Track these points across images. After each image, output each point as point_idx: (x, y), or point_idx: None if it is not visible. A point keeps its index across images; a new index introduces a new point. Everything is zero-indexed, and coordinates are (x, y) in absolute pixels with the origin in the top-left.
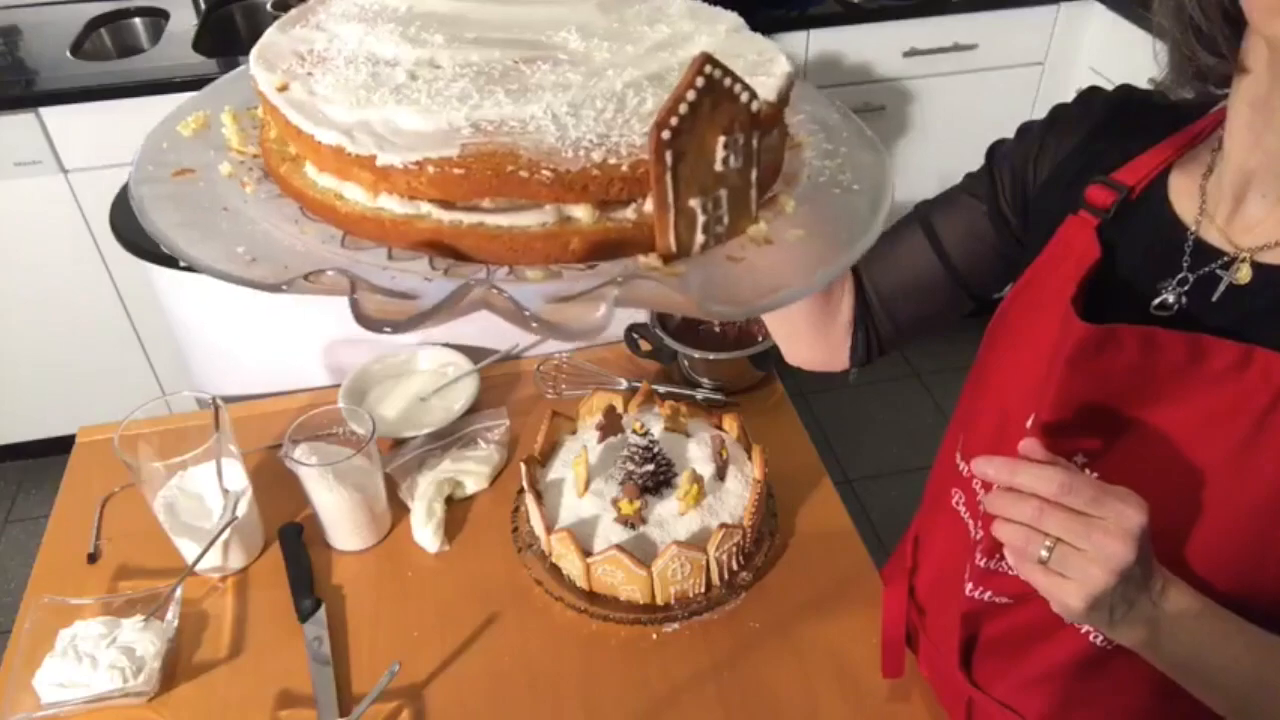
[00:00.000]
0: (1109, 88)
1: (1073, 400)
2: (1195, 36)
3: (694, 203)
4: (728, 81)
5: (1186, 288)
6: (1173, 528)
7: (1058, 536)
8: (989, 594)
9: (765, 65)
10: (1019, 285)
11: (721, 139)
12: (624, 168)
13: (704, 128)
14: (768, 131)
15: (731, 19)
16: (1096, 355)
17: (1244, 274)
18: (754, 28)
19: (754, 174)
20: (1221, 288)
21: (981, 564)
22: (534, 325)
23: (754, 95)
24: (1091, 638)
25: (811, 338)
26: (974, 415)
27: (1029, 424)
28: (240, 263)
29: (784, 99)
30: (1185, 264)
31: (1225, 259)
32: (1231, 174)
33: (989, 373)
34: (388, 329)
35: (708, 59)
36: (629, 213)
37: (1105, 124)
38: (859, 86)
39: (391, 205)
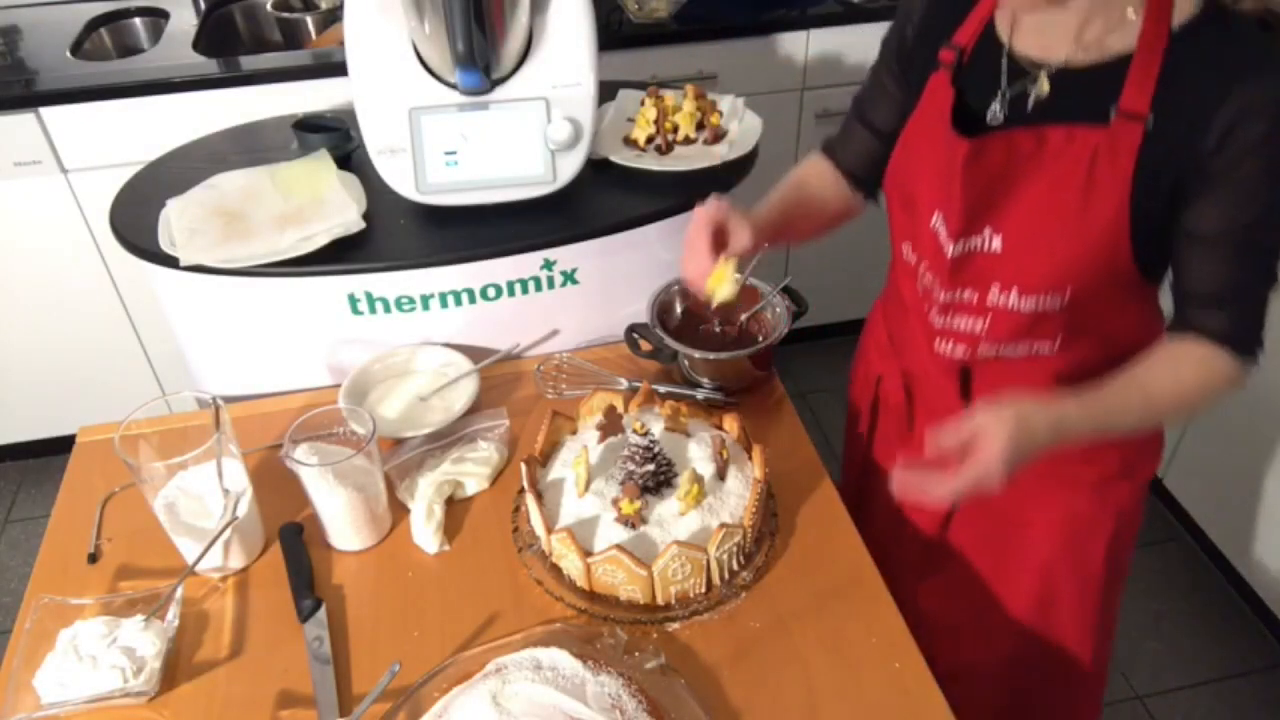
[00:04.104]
0: None
1: (970, 193)
2: None
3: None
4: None
5: (1007, 100)
6: (1048, 256)
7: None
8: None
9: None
10: (910, 125)
11: None
12: None
13: None
14: None
15: None
16: (977, 160)
17: (1044, 86)
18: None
19: None
20: (1031, 101)
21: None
22: None
23: None
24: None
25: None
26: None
27: (934, 220)
28: None
29: None
30: (1003, 78)
31: (1033, 75)
32: None
33: (901, 181)
34: None
35: None
36: None
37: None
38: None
39: None
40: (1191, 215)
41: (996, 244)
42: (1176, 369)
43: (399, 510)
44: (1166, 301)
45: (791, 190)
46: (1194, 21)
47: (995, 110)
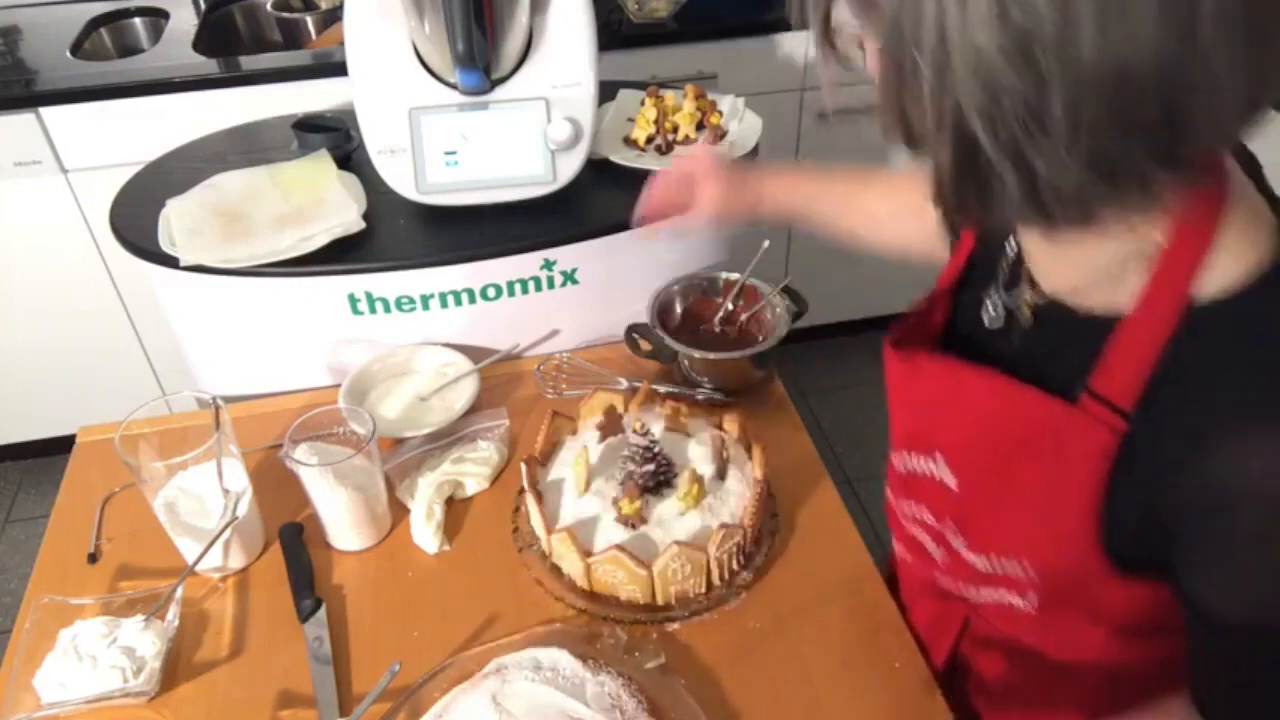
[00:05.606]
0: None
1: (908, 413)
2: None
3: None
4: None
5: (1001, 303)
6: (1001, 518)
7: None
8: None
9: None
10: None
11: None
12: None
13: None
14: None
15: None
16: (914, 379)
17: (1025, 314)
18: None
19: None
20: (1019, 328)
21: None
22: None
23: None
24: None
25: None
26: None
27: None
28: None
29: None
30: (1004, 275)
31: (1025, 290)
32: None
33: None
34: None
35: None
36: None
37: None
38: (859, 86)
39: None
40: (1180, 576)
41: (949, 479)
42: None
43: (399, 510)
44: None
45: (850, 193)
46: (1245, 294)
47: (990, 312)
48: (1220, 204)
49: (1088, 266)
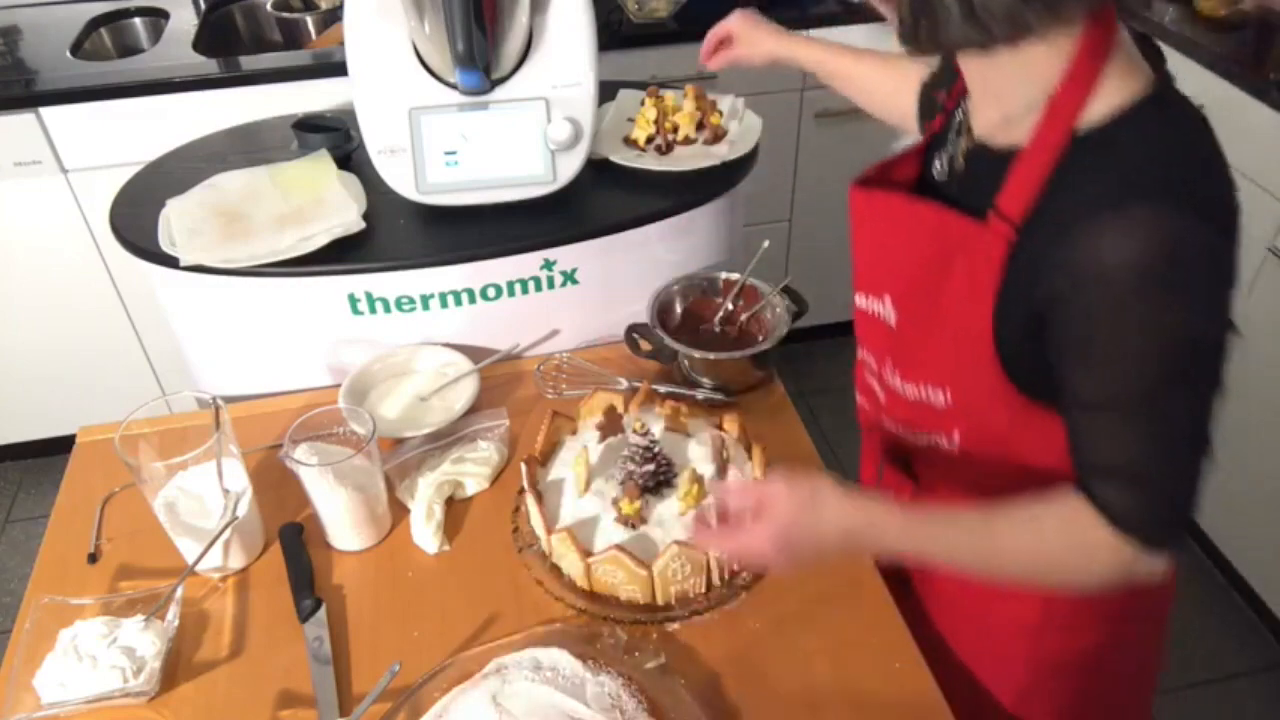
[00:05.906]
0: None
1: (863, 247)
2: None
3: None
4: None
5: (946, 156)
6: (926, 343)
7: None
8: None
9: None
10: None
11: None
12: None
13: None
14: None
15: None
16: (866, 210)
17: (959, 159)
18: None
19: None
20: (957, 167)
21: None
22: None
23: None
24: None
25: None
26: None
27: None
28: None
29: None
30: (951, 133)
31: (963, 140)
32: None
33: None
34: None
35: None
36: None
37: None
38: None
39: None
40: (1055, 365)
41: (891, 318)
42: (1041, 526)
43: (399, 510)
44: None
45: (857, 67)
46: (1117, 121)
47: (939, 166)
48: (1104, 57)
49: (1005, 106)
